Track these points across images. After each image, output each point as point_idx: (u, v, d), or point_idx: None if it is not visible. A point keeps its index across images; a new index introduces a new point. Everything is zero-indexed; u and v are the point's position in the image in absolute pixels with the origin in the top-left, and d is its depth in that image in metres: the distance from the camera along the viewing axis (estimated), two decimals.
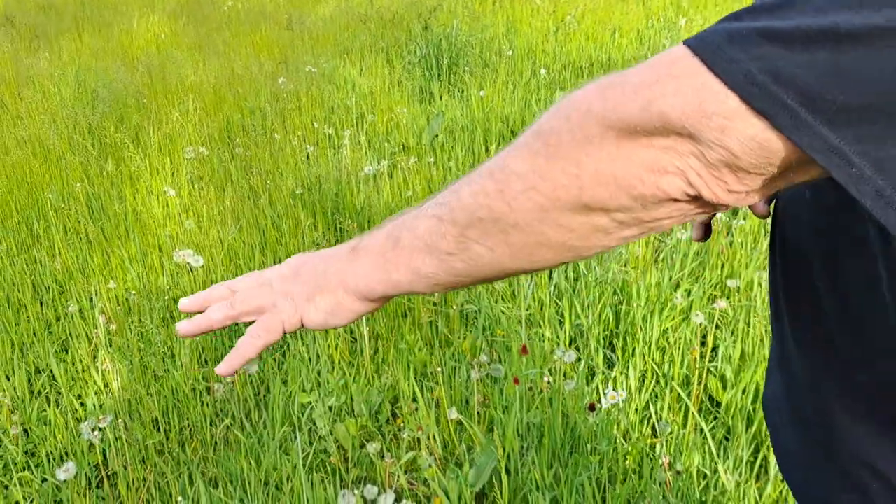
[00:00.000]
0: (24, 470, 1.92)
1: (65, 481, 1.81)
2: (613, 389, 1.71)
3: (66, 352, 2.41)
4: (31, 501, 1.82)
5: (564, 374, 2.03)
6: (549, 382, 1.80)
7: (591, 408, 1.72)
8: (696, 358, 1.90)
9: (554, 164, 0.46)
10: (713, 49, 0.41)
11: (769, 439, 0.59)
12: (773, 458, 1.70)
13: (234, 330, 2.33)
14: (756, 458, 1.81)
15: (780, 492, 1.68)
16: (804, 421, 0.62)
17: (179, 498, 1.57)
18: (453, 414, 1.78)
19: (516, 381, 1.78)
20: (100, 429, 1.69)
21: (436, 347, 2.39)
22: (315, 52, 5.48)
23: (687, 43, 0.43)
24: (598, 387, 1.98)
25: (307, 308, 0.59)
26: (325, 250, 0.61)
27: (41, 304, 2.57)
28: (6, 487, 1.87)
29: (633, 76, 0.44)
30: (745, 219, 2.72)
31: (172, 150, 3.40)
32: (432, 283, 0.54)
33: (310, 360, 2.37)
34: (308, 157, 3.59)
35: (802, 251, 0.58)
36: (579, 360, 2.12)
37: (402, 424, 2.10)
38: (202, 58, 5.37)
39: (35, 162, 3.08)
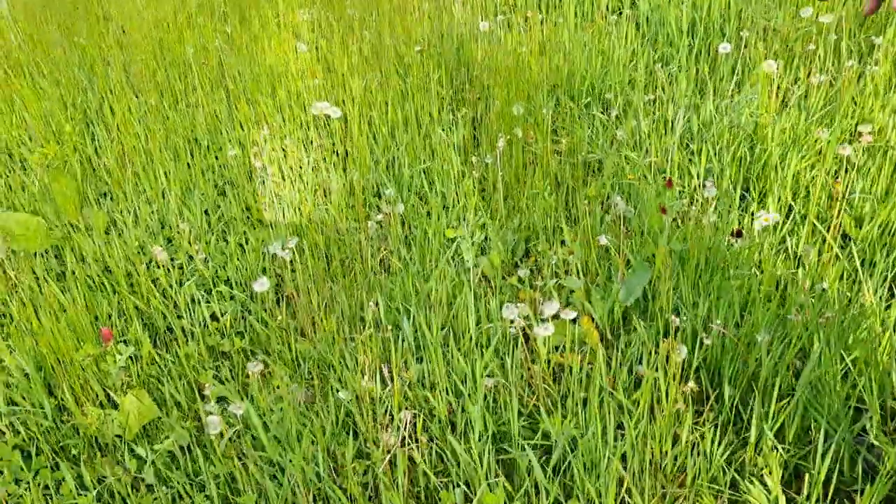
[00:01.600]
0: (214, 288, 2.18)
1: (256, 294, 2.07)
2: (766, 210, 1.80)
3: (224, 195, 2.64)
4: (225, 314, 2.08)
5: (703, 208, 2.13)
6: (694, 209, 1.91)
7: (738, 234, 1.82)
8: (838, 191, 1.96)
9: None
10: None
11: None
12: None
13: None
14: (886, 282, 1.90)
15: None
16: None
17: (372, 304, 1.78)
18: (603, 240, 1.91)
19: (664, 209, 1.89)
20: (288, 248, 1.90)
21: (563, 194, 2.50)
22: None
23: None
24: (736, 219, 2.08)
25: None
26: None
27: (191, 154, 2.79)
28: (199, 302, 2.14)
29: None
30: (877, 64, 2.66)
31: (292, 12, 3.49)
32: None
33: (445, 207, 2.53)
34: (424, 16, 3.63)
35: None
36: (716, 197, 2.20)
37: (537, 260, 2.26)
38: None
39: (171, 22, 3.23)
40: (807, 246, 1.81)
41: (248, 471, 1.59)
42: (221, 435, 1.60)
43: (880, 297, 1.74)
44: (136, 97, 3.02)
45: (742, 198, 2.26)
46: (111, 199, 2.53)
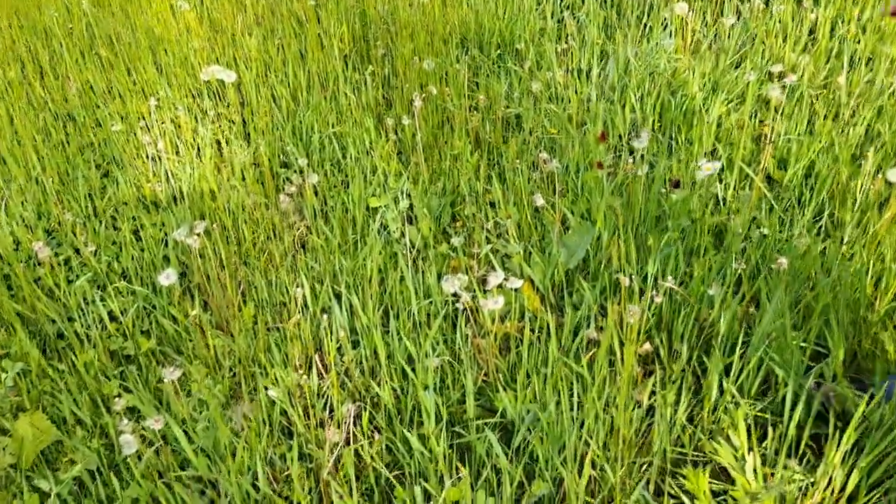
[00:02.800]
0: (109, 283, 1.92)
1: (160, 287, 1.83)
2: (707, 161, 1.74)
3: (107, 176, 2.34)
4: (125, 312, 1.84)
5: (633, 161, 2.06)
6: (632, 163, 1.83)
7: (676, 184, 1.76)
8: (763, 134, 1.93)
9: None
10: None
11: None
12: (846, 217, 1.78)
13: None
14: (818, 223, 1.90)
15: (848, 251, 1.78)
16: None
17: (296, 287, 1.60)
18: (539, 200, 1.80)
19: (599, 165, 1.80)
20: (197, 234, 1.68)
21: (485, 153, 2.38)
22: None
23: None
24: (668, 170, 2.02)
25: None
26: None
27: (65, 130, 2.46)
28: (93, 301, 1.88)
29: None
30: (783, 4, 2.67)
31: None
32: None
33: (364, 174, 2.34)
34: None
35: None
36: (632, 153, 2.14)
37: (466, 225, 2.14)
38: None
39: None
40: (746, 193, 1.78)
41: (173, 490, 1.40)
42: (139, 454, 1.40)
43: (813, 238, 1.73)
44: None
45: (668, 147, 2.21)
46: None
